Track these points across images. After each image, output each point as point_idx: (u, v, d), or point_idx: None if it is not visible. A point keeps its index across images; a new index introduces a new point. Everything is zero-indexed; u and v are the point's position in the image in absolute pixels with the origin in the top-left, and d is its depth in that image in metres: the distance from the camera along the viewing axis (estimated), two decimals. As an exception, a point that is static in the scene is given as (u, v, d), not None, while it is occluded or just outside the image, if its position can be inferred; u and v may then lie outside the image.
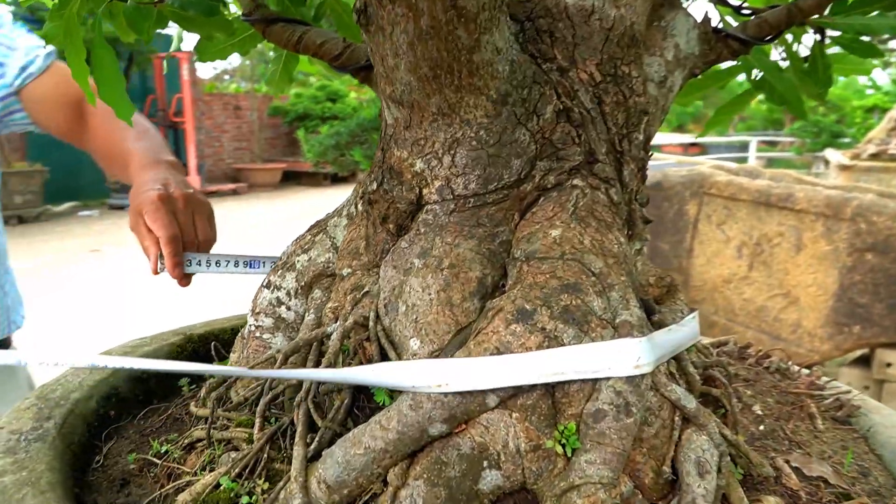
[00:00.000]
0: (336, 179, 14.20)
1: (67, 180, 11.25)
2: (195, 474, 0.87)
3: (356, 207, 1.00)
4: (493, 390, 0.71)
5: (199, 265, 1.20)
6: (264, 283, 1.06)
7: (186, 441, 0.95)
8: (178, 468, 0.91)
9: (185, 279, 1.22)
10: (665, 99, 0.98)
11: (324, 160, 3.49)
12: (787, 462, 0.93)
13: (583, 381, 0.72)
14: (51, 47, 1.51)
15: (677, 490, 0.75)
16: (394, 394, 0.80)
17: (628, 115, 0.92)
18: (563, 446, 0.72)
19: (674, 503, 0.74)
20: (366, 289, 0.90)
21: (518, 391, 0.71)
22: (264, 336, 1.03)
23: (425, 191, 0.86)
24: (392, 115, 0.86)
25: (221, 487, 0.79)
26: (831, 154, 8.27)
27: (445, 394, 0.71)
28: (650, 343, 0.74)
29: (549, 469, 0.72)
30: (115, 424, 1.07)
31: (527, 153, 0.84)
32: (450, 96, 0.79)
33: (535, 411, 0.72)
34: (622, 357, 0.72)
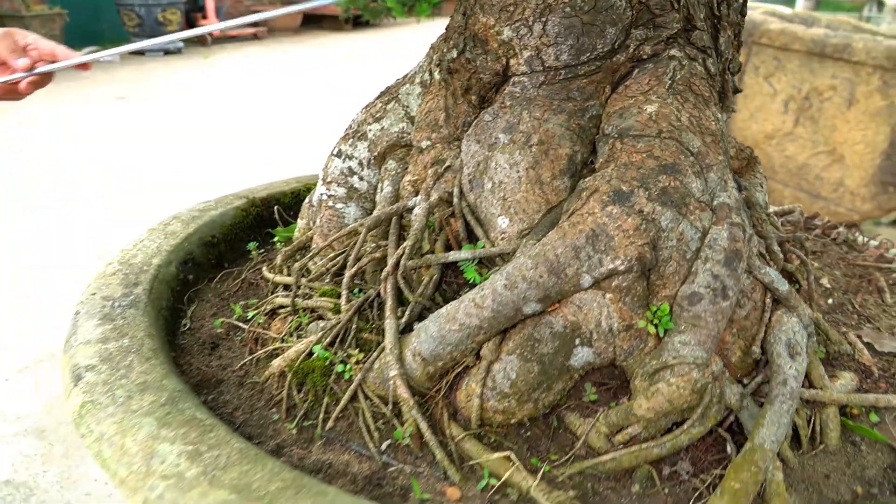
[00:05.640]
0: (357, 24, 13.68)
1: (87, 24, 10.97)
2: (282, 340, 0.91)
3: (430, 74, 0.96)
4: (588, 271, 0.72)
5: None
6: (334, 152, 1.05)
7: (269, 307, 0.98)
8: (264, 333, 0.94)
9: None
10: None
11: (354, 5, 3.32)
12: (859, 337, 0.94)
13: (679, 262, 0.72)
14: None
15: (761, 368, 0.77)
16: (483, 271, 0.81)
17: (728, -24, 0.85)
18: (656, 326, 0.73)
19: (757, 379, 0.76)
20: (447, 163, 0.88)
21: (613, 273, 0.71)
22: (337, 206, 1.03)
23: (512, 61, 0.82)
24: (480, -23, 0.80)
25: (315, 356, 0.83)
26: (888, -3, 7.73)
27: (541, 273, 0.72)
28: None
29: (640, 348, 0.73)
30: (193, 288, 1.10)
31: (622, 20, 0.79)
32: (546, -42, 0.74)
33: (630, 292, 0.72)
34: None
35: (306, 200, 1.15)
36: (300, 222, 1.15)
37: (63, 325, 3.04)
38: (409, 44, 11.66)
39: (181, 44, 11.12)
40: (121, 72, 9.76)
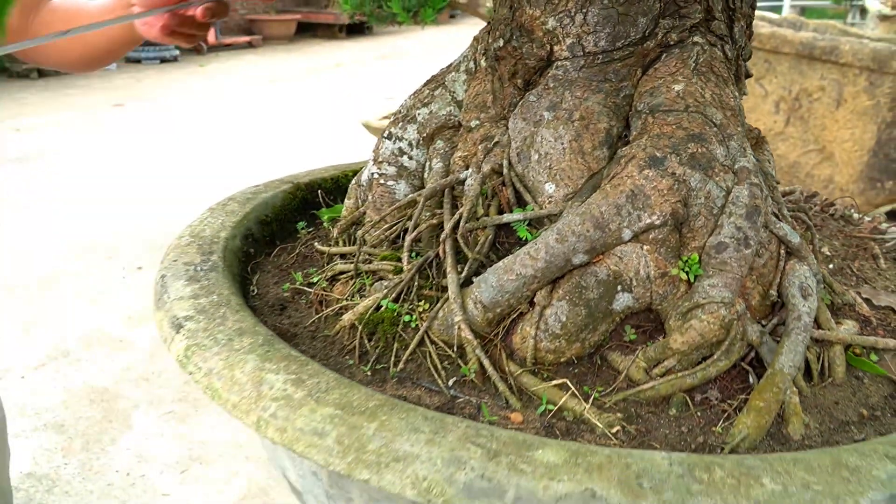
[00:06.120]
0: (351, 31, 13.83)
1: (82, 32, 11.04)
2: (348, 300, 1.01)
3: (475, 63, 1.08)
4: (628, 226, 0.83)
5: None
6: (385, 135, 1.16)
7: (329, 274, 1.09)
8: (327, 295, 1.05)
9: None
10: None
11: (360, 11, 3.44)
12: (859, 293, 1.06)
13: (706, 217, 0.84)
14: None
15: (777, 311, 0.89)
16: (532, 231, 0.92)
17: (741, -27, 0.97)
18: (687, 273, 0.84)
19: (774, 321, 0.88)
20: (496, 139, 0.99)
21: (650, 227, 0.83)
22: (388, 183, 1.14)
23: (556, 48, 0.93)
24: (527, -26, 0.92)
25: (383, 308, 0.93)
26: (870, 3, 7.92)
27: (588, 228, 0.83)
28: None
29: (673, 293, 0.85)
30: (254, 260, 1.21)
31: (652, 11, 0.91)
32: (588, -43, 0.85)
33: (664, 244, 0.83)
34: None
35: (353, 181, 1.26)
36: (348, 202, 1.25)
37: (71, 324, 3.18)
38: (401, 51, 11.80)
39: (177, 52, 11.19)
40: (117, 79, 9.82)
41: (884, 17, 6.90)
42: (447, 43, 12.32)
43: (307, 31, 13.80)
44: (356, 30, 13.82)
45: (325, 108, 7.57)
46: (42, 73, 9.44)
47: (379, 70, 10.08)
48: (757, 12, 4.67)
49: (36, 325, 3.14)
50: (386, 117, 4.15)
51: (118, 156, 5.77)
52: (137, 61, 10.93)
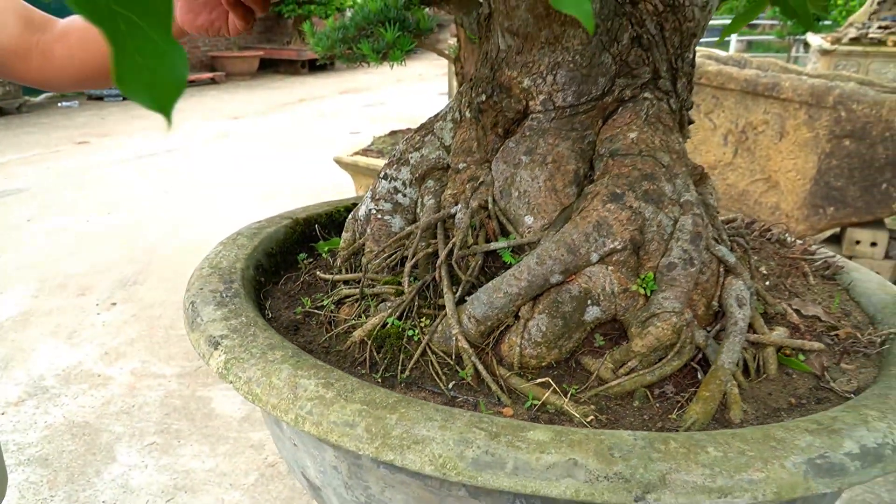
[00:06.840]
0: (313, 67, 14.04)
1: (44, 70, 11.00)
2: (355, 319, 1.16)
3: (460, 113, 1.25)
4: (595, 250, 1.00)
5: None
6: (381, 175, 1.32)
7: (336, 298, 1.24)
8: (336, 317, 1.20)
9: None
10: (706, 20, 1.23)
11: (331, 53, 3.63)
12: (789, 305, 1.25)
13: (659, 242, 1.01)
14: None
15: (719, 319, 1.07)
16: (515, 257, 1.09)
17: (682, 38, 1.17)
18: (644, 289, 1.01)
19: (717, 327, 1.05)
20: (481, 179, 1.16)
21: (613, 251, 1.00)
22: (385, 217, 1.30)
23: (531, 103, 1.11)
24: (506, 42, 1.10)
25: (389, 325, 1.09)
26: (812, 38, 8.38)
27: (562, 253, 1.00)
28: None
29: (634, 305, 1.02)
30: (264, 288, 1.35)
31: (609, 72, 1.09)
32: (556, 29, 1.04)
33: (625, 265, 1.01)
34: (686, 226, 1.01)
35: (350, 216, 1.41)
36: (345, 234, 1.41)
37: (48, 361, 3.31)
38: (363, 86, 12.00)
39: (140, 89, 11.15)
40: (79, 117, 9.83)
41: (825, 52, 7.33)
42: (407, 77, 12.60)
43: (270, 67, 13.97)
44: (318, 66, 14.05)
45: (289, 143, 7.71)
46: (2, 112, 9.43)
47: (342, 105, 10.27)
48: (705, 50, 4.97)
49: (13, 362, 3.20)
50: (357, 153, 4.32)
51: (85, 192, 5.82)
52: (100, 98, 10.95)
